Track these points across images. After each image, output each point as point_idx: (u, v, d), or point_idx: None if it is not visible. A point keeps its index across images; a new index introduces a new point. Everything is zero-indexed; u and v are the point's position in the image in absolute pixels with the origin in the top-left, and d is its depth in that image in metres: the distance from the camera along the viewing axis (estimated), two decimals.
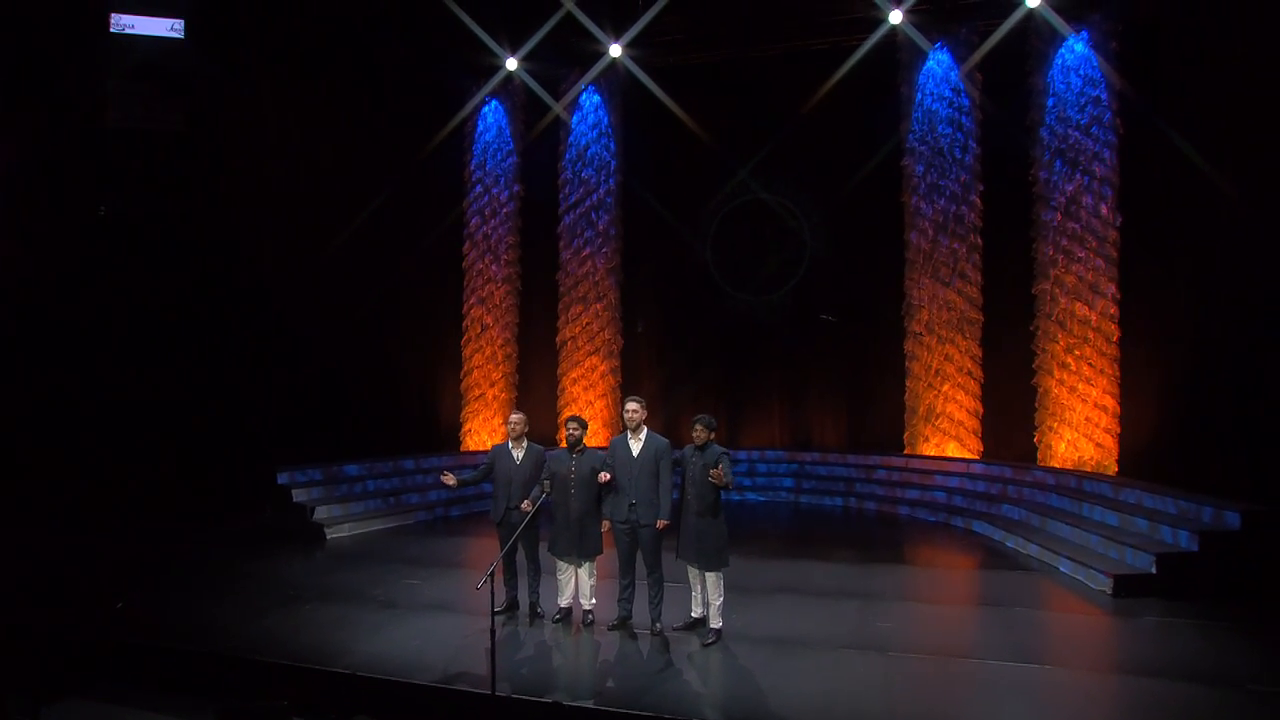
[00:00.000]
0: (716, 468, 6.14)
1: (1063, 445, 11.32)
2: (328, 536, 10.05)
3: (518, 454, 6.95)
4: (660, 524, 6.46)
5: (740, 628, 6.67)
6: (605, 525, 6.63)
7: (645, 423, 6.67)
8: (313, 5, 12.14)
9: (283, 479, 10.78)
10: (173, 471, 10.78)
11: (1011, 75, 11.81)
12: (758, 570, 8.39)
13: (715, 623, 6.46)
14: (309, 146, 12.51)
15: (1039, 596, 7.70)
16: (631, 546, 6.60)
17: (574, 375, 14.12)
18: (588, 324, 14.05)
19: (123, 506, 10.23)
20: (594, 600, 6.83)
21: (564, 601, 6.90)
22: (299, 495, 10.63)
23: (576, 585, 6.85)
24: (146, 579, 8.18)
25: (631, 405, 6.58)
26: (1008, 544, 9.69)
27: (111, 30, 11.63)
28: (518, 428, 6.99)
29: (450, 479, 6.73)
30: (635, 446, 6.55)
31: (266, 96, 12.37)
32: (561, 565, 6.82)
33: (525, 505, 6.58)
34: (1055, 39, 11.34)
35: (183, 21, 11.73)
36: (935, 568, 9.17)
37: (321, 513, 10.41)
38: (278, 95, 12.39)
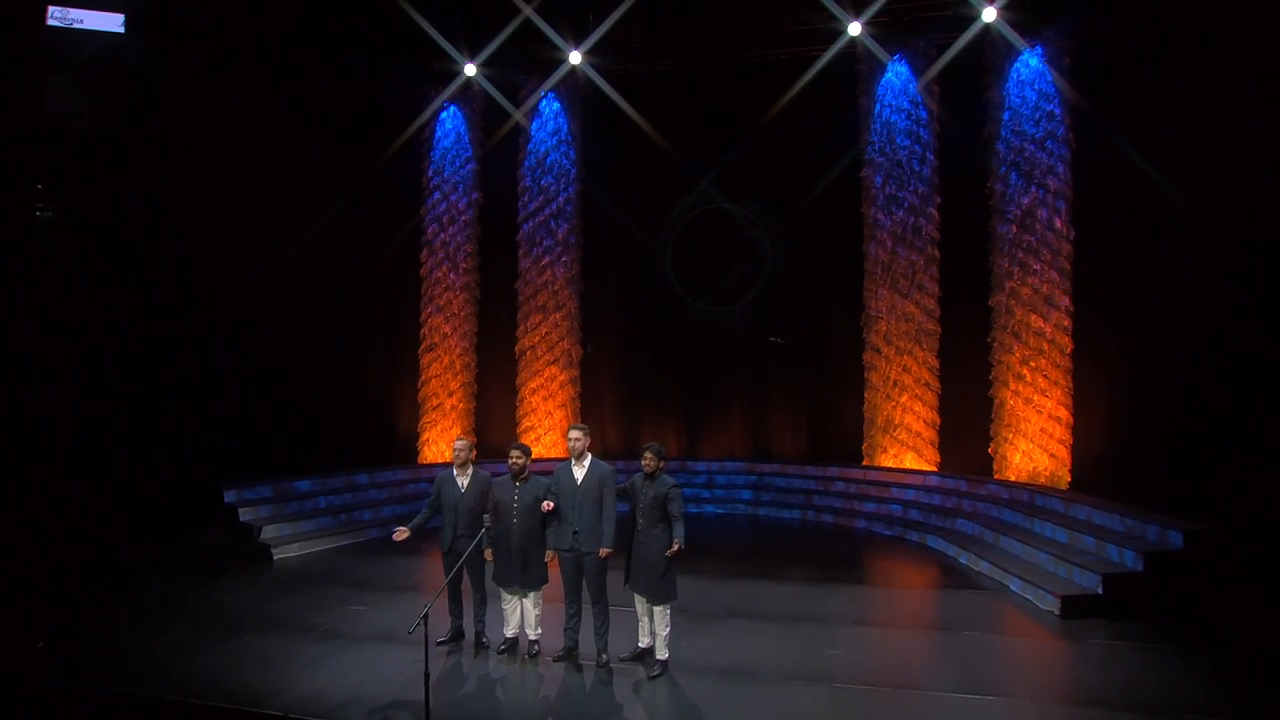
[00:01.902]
0: (672, 546, 6.18)
1: (1018, 456, 11.41)
2: (275, 557, 9.81)
3: (463, 481, 6.82)
4: (604, 552, 6.38)
5: (688, 657, 6.60)
6: (550, 555, 6.52)
7: (590, 449, 6.61)
8: (263, 5, 11.81)
9: (230, 497, 10.52)
10: (110, 490, 10.43)
11: (968, 88, 11.88)
12: (710, 592, 8.33)
13: (662, 654, 6.39)
14: (259, 150, 12.24)
15: (989, 619, 7.73)
16: (576, 575, 6.51)
17: (533, 385, 13.98)
18: (547, 333, 13.91)
19: (52, 528, 9.88)
20: (539, 630, 6.72)
21: (509, 632, 6.78)
22: (246, 514, 10.38)
23: (522, 615, 6.74)
24: (76, 610, 7.89)
25: (574, 434, 6.52)
26: (961, 560, 9.74)
27: (49, 23, 11.24)
28: (462, 454, 6.87)
29: (402, 534, 6.58)
30: (579, 474, 6.48)
31: (214, 97, 12.05)
32: (506, 595, 6.71)
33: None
34: (1011, 53, 11.40)
35: (123, 16, 11.36)
36: (888, 587, 9.19)
37: (269, 532, 10.17)
38: (225, 96, 12.08)
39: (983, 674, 6.34)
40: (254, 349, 12.01)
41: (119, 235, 11.41)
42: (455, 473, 6.85)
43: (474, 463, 7.01)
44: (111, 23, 11.41)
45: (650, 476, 6.38)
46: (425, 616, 5.09)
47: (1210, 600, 7.73)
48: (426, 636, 5.16)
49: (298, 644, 6.94)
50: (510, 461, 6.56)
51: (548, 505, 6.40)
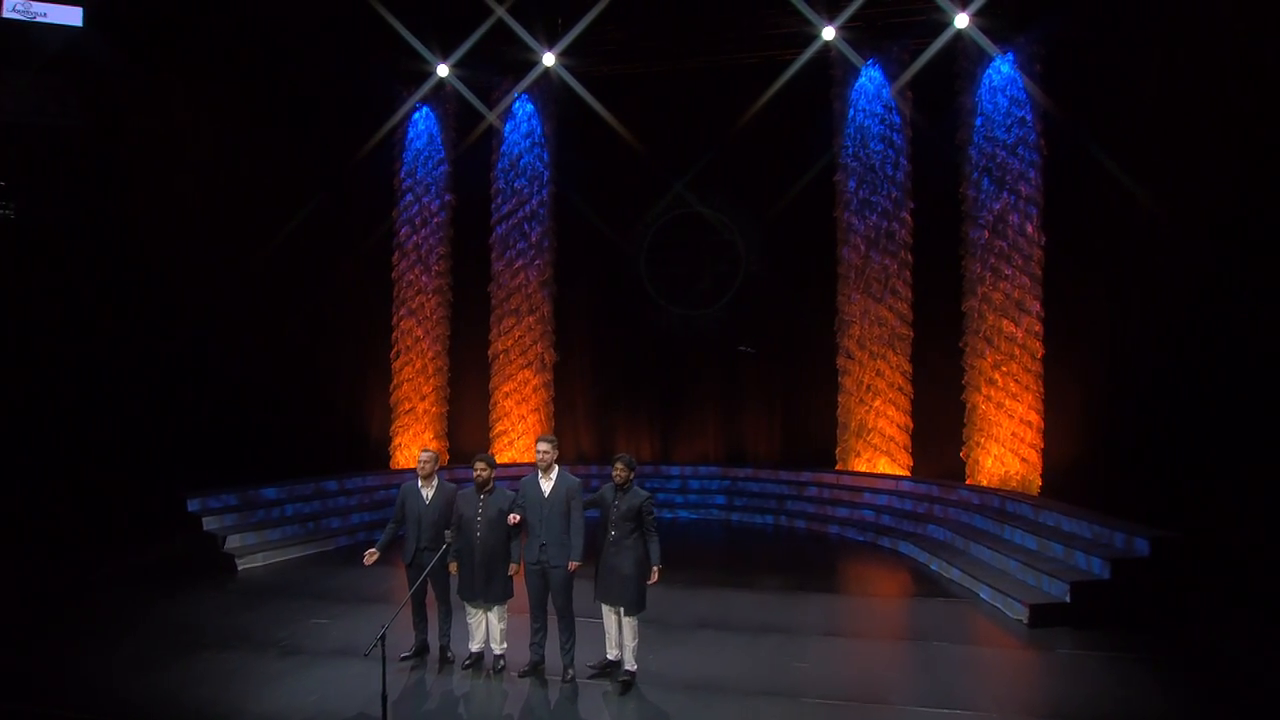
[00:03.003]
0: (652, 571, 6.27)
1: (990, 460, 11.45)
2: (239, 568, 9.61)
3: (427, 493, 6.71)
4: (573, 565, 6.32)
5: (657, 669, 6.54)
6: (514, 569, 6.43)
7: (563, 454, 6.55)
8: (230, 3, 11.57)
9: (193, 505, 10.29)
10: (66, 498, 10.17)
11: (941, 94, 11.89)
12: (681, 602, 8.26)
13: (630, 665, 6.33)
14: (225, 149, 12.02)
15: (958, 628, 7.71)
16: (542, 588, 6.43)
17: (506, 389, 13.85)
18: (520, 337, 13.79)
19: (5, 538, 9.61)
20: (504, 644, 6.62)
21: (475, 646, 6.68)
22: (210, 523, 10.16)
23: (487, 629, 6.64)
24: (26, 625, 7.66)
25: (544, 446, 6.44)
26: (932, 566, 9.74)
27: (7, 15, 10.94)
28: (427, 466, 6.74)
29: (372, 556, 6.45)
30: (546, 486, 6.40)
31: (177, 94, 11.78)
32: (471, 609, 6.61)
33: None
34: (983, 59, 11.42)
35: (81, 10, 11.08)
36: (859, 596, 9.17)
37: (234, 541, 9.96)
38: (189, 94, 11.82)
39: (950, 687, 6.31)
40: (221, 351, 11.80)
41: (80, 235, 11.15)
42: (420, 484, 6.73)
43: (445, 468, 6.90)
44: (70, 16, 11.13)
45: (622, 487, 6.32)
46: (383, 637, 4.97)
47: (1177, 608, 7.77)
48: (384, 657, 5.04)
49: (258, 660, 6.79)
50: (475, 474, 6.45)
51: (514, 518, 6.31)
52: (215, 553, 9.79)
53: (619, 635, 6.43)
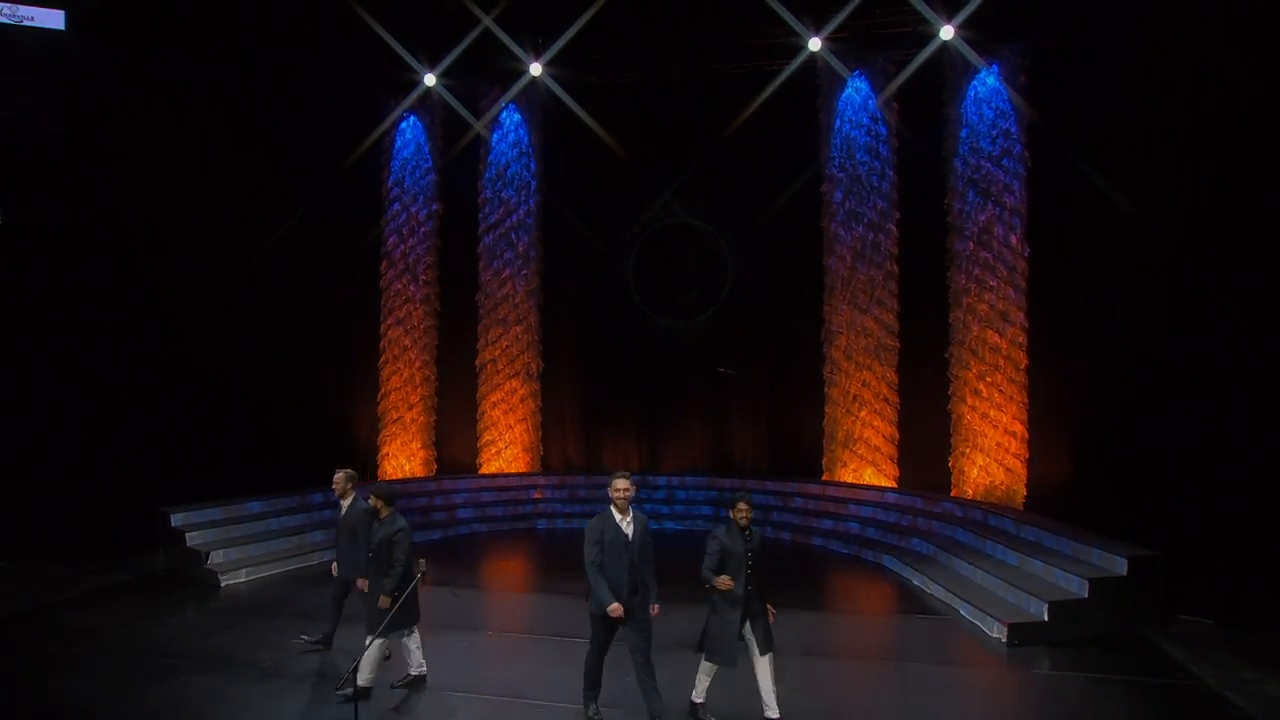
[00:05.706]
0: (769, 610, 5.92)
1: (975, 470, 11.50)
2: (222, 584, 9.58)
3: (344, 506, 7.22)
4: (655, 610, 5.90)
5: (634, 697, 6.51)
6: (384, 600, 6.14)
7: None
8: (216, 9, 11.50)
9: (177, 520, 10.27)
10: (45, 511, 10.14)
11: (927, 105, 11.91)
12: (659, 621, 8.20)
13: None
14: (212, 156, 11.93)
15: (938, 648, 7.72)
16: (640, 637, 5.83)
17: (494, 398, 13.88)
18: (507, 346, 13.81)
19: None
20: (423, 666, 6.66)
21: (414, 669, 6.67)
22: (194, 538, 10.13)
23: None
24: None
25: (624, 484, 5.73)
26: (914, 581, 9.77)
27: None
28: (340, 485, 7.24)
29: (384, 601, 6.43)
30: (628, 528, 5.75)
31: (163, 100, 11.70)
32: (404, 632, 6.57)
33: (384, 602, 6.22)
34: (969, 71, 11.44)
35: (63, 13, 11.00)
36: (840, 613, 9.20)
37: (217, 557, 9.93)
38: (176, 100, 11.73)
39: (928, 710, 6.33)
40: (206, 361, 11.72)
41: (64, 241, 11.07)
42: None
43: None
44: (53, 19, 11.06)
45: (747, 530, 5.83)
46: (355, 670, 4.98)
47: (1155, 625, 7.80)
48: (355, 686, 5.04)
49: (236, 684, 6.76)
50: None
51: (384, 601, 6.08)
52: (198, 568, 9.76)
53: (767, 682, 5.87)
